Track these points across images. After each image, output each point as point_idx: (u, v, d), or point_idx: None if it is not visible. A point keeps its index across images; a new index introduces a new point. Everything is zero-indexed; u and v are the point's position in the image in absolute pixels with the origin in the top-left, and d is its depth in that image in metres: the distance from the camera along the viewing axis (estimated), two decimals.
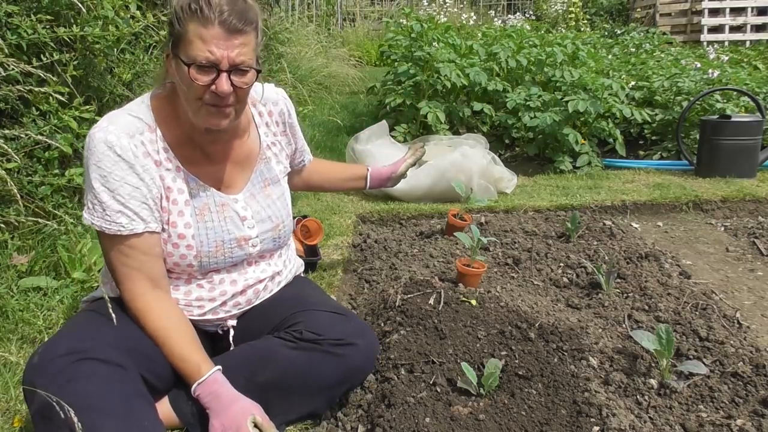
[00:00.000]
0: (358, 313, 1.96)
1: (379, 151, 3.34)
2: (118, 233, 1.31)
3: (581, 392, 1.42)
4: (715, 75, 4.39)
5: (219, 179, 1.46)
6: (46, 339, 1.45)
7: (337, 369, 1.41)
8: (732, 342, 1.70)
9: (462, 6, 10.58)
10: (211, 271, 1.46)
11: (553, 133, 3.75)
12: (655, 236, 2.84)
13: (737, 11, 8.48)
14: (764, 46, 7.64)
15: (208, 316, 1.48)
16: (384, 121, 3.69)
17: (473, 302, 1.79)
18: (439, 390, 1.42)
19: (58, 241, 2.08)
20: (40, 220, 1.91)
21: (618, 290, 2.05)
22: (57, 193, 2.21)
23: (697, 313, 1.89)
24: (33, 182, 2.14)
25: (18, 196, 1.81)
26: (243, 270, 1.51)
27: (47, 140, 2.00)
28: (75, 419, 1.08)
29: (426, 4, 9.86)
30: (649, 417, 1.41)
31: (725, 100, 4.16)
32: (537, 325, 1.71)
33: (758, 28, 8.51)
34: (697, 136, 3.76)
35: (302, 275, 1.78)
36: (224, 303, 1.48)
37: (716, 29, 8.45)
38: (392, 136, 3.80)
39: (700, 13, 8.54)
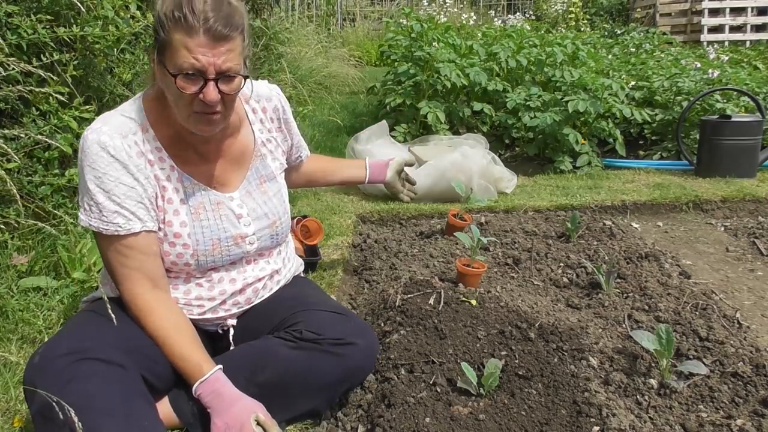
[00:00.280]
0: (358, 313, 1.96)
1: (379, 151, 3.34)
2: (116, 233, 1.31)
3: (581, 392, 1.42)
4: (715, 75, 4.39)
5: (213, 178, 1.46)
6: (46, 339, 1.45)
7: (337, 369, 1.41)
8: (732, 342, 1.70)
9: (462, 6, 10.58)
10: (210, 269, 1.46)
11: (553, 133, 3.75)
12: (655, 236, 2.84)
13: (737, 11, 8.48)
14: (764, 46, 7.64)
15: (208, 315, 1.48)
16: (384, 121, 3.69)
17: (473, 302, 1.79)
18: (439, 390, 1.42)
19: (58, 241, 2.08)
20: (39, 222, 1.90)
21: (618, 290, 2.05)
22: (57, 193, 2.21)
23: (697, 313, 1.89)
24: (33, 182, 2.15)
25: (17, 196, 1.81)
26: (242, 268, 1.51)
27: (47, 140, 2.00)
28: (75, 419, 1.08)
29: (426, 4, 9.86)
30: (649, 417, 1.41)
31: (725, 100, 4.16)
32: (537, 325, 1.71)
33: (758, 28, 8.51)
34: (697, 136, 3.76)
35: (302, 275, 1.78)
36: (224, 302, 1.48)
37: (716, 29, 8.45)
38: (392, 136, 3.80)
39: (700, 13, 8.54)
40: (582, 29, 9.19)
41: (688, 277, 2.23)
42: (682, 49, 6.79)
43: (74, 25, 2.29)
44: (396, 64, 4.44)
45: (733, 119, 3.54)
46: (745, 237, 2.78)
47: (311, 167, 1.91)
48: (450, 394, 1.42)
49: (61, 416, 1.09)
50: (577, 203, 3.07)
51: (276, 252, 1.60)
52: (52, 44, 2.22)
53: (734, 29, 8.45)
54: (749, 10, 8.43)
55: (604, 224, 2.72)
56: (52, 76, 2.11)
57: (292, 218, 2.18)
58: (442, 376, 1.46)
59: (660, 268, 2.23)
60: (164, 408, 1.35)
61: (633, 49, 6.43)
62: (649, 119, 3.99)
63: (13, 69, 1.97)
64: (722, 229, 2.94)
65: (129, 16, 2.44)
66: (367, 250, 2.54)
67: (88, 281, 2.01)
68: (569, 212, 2.82)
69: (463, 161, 3.13)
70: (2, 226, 2.01)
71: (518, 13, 11.16)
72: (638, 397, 1.47)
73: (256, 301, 1.55)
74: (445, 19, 8.14)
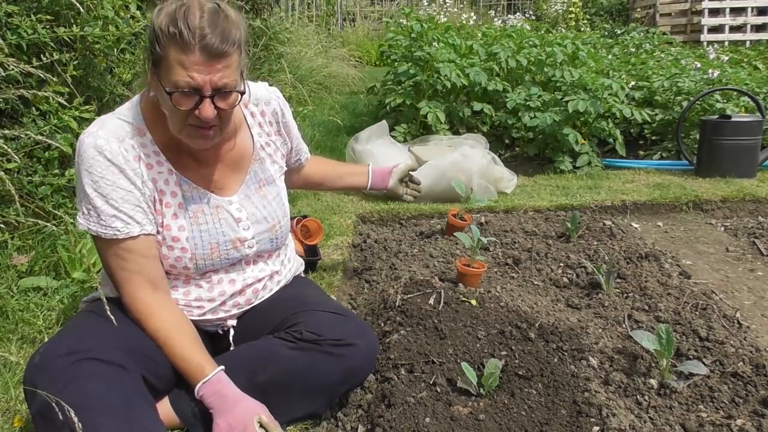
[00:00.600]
0: (358, 313, 1.96)
1: (379, 151, 3.34)
2: (114, 237, 1.31)
3: (581, 392, 1.42)
4: (715, 75, 4.39)
5: (212, 182, 1.45)
6: (46, 339, 1.45)
7: (337, 369, 1.41)
8: (732, 342, 1.70)
9: (462, 6, 10.58)
10: (209, 271, 1.46)
11: (553, 133, 3.75)
12: (655, 236, 2.84)
13: (737, 11, 8.48)
14: (764, 46, 7.64)
15: (208, 316, 1.48)
16: (384, 121, 3.69)
17: (473, 302, 1.79)
18: (439, 390, 1.42)
19: (57, 241, 2.08)
20: (40, 221, 1.90)
21: (618, 290, 2.05)
22: (57, 193, 2.21)
23: (697, 313, 1.89)
24: (33, 182, 2.15)
25: (17, 196, 1.81)
26: (241, 270, 1.51)
27: (47, 140, 2.00)
28: (75, 419, 1.08)
29: (426, 4, 9.86)
30: (649, 417, 1.41)
31: (725, 100, 4.16)
32: (537, 325, 1.71)
33: (758, 28, 8.51)
34: (697, 136, 3.76)
35: (302, 275, 1.78)
36: (223, 303, 1.48)
37: (716, 29, 8.45)
38: (392, 136, 3.80)
39: (700, 13, 8.54)
40: (582, 29, 9.19)
41: (688, 277, 2.23)
42: (682, 49, 6.79)
43: (74, 25, 2.30)
44: (396, 64, 4.44)
45: (733, 119, 3.54)
46: (745, 237, 2.78)
47: (311, 170, 1.89)
48: (450, 394, 1.42)
49: (61, 416, 1.09)
50: (577, 203, 3.07)
51: (275, 253, 1.60)
52: (52, 44, 2.22)
53: (734, 29, 8.45)
54: (749, 10, 8.43)
55: (604, 224, 2.72)
56: (51, 76, 2.11)
57: (292, 218, 2.18)
58: (442, 376, 1.46)
59: (660, 268, 2.23)
60: (164, 408, 1.35)
61: (633, 49, 6.43)
62: (649, 119, 4.00)
63: (13, 69, 1.97)
64: (722, 229, 2.94)
65: (129, 16, 2.44)
66: (367, 250, 2.54)
67: (88, 281, 2.01)
68: (569, 212, 2.82)
69: (463, 161, 3.13)
70: (2, 226, 2.01)
71: (518, 13, 11.16)
72: (638, 397, 1.47)
73: (256, 302, 1.55)
74: (445, 19, 8.13)
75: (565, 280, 2.16)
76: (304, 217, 2.33)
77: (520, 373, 1.48)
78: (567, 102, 3.69)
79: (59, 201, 2.21)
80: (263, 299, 1.56)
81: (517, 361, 1.52)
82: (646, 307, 1.92)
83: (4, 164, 1.95)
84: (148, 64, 1.27)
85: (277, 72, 4.96)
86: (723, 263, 2.52)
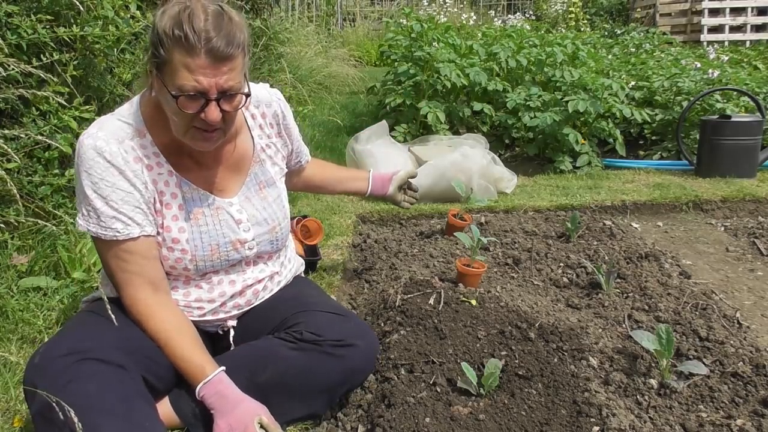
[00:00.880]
0: (358, 313, 1.96)
1: (379, 151, 3.34)
2: (114, 239, 1.31)
3: (581, 392, 1.42)
4: (715, 75, 4.39)
5: (212, 183, 1.45)
6: (46, 339, 1.45)
7: (337, 370, 1.41)
8: (732, 342, 1.70)
9: (462, 6, 10.58)
10: (209, 272, 1.46)
11: (553, 133, 3.75)
12: (655, 236, 2.84)
13: (737, 11, 8.48)
14: (764, 46, 7.64)
15: (208, 317, 1.48)
16: (384, 121, 3.69)
17: (473, 302, 1.79)
18: (439, 390, 1.42)
19: (58, 241, 2.08)
20: (40, 221, 1.90)
21: (618, 290, 2.05)
22: (57, 193, 2.21)
23: (697, 313, 1.89)
24: (33, 182, 2.15)
25: (17, 196, 1.81)
26: (241, 270, 1.51)
27: (47, 140, 2.00)
28: (75, 419, 1.08)
29: (426, 4, 9.86)
30: (649, 417, 1.41)
31: (725, 100, 4.16)
32: (537, 325, 1.71)
33: (758, 28, 8.51)
34: (697, 136, 3.76)
35: (302, 275, 1.78)
36: (223, 304, 1.48)
37: (716, 29, 8.45)
38: (392, 136, 3.80)
39: (700, 13, 8.54)
40: (582, 29, 9.19)
41: (688, 277, 2.23)
42: (682, 49, 6.79)
43: (74, 25, 2.30)
44: (396, 64, 4.44)
45: (733, 119, 3.54)
46: (745, 237, 2.78)
47: (312, 173, 1.89)
48: (450, 394, 1.42)
49: (62, 416, 1.09)
50: (577, 203, 3.07)
51: (276, 255, 1.60)
52: (52, 44, 2.22)
53: (734, 29, 8.45)
54: (749, 10, 8.43)
55: (604, 224, 2.72)
56: (52, 76, 2.11)
57: (292, 218, 2.18)
58: (442, 376, 1.46)
59: (660, 268, 2.23)
60: (164, 408, 1.34)
61: (633, 49, 6.43)
62: (649, 119, 4.00)
63: (13, 69, 1.97)
64: (722, 229, 2.94)
65: (129, 16, 2.44)
66: (367, 250, 2.54)
67: (88, 281, 2.02)
68: (569, 212, 2.82)
69: (463, 161, 3.13)
70: (2, 226, 2.01)
71: (518, 13, 11.16)
72: (638, 397, 1.47)
73: (256, 303, 1.55)
74: (445, 19, 8.14)
75: (565, 280, 2.16)
76: (304, 217, 2.33)
77: (520, 373, 1.48)
78: (567, 102, 3.69)
79: (59, 201, 2.21)
80: (263, 300, 1.56)
81: (517, 361, 1.52)
82: (646, 307, 1.92)
83: (4, 164, 1.95)
84: (150, 66, 1.26)
85: (277, 72, 4.96)
86: (723, 263, 2.52)
